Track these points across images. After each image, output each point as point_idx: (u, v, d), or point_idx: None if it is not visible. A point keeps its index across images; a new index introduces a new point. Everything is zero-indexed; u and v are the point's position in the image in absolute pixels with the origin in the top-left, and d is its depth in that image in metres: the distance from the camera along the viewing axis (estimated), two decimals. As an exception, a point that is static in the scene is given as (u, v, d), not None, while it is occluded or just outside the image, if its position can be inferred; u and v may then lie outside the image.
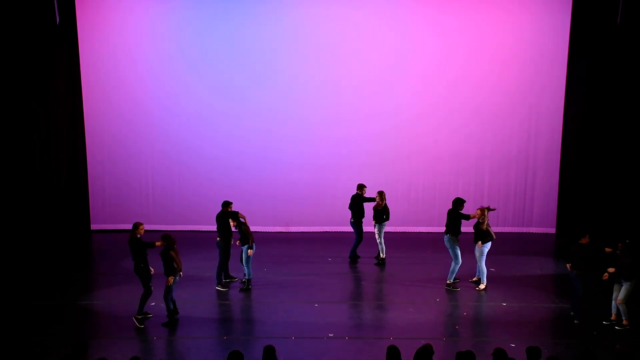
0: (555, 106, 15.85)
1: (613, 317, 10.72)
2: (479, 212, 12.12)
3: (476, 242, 12.11)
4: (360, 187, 13.92)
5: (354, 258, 14.02)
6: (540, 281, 12.94)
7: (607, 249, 10.87)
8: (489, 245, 12.15)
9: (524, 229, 16.33)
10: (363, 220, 13.92)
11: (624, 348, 7.82)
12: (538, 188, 16.22)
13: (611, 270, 10.50)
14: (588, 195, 15.43)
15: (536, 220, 16.32)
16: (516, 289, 12.27)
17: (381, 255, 13.85)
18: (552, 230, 16.07)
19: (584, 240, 10.70)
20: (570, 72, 15.38)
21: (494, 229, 12.29)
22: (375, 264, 13.79)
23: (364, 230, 14.04)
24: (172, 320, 10.65)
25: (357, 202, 13.87)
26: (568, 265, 10.87)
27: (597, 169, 15.34)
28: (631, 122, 14.93)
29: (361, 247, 14.09)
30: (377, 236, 13.74)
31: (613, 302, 10.70)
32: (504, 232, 15.94)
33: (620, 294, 10.49)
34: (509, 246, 15.04)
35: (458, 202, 12.46)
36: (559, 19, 15.44)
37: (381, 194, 13.63)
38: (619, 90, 14.96)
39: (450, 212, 12.45)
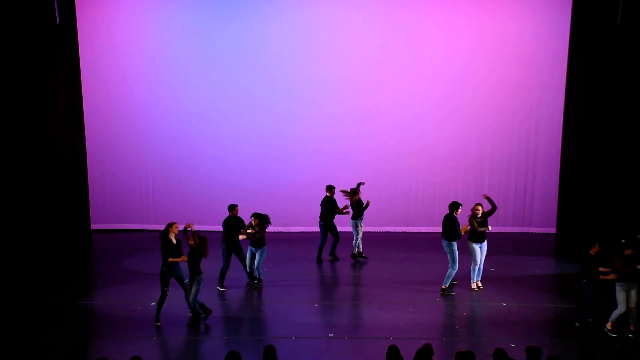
0: (555, 106, 15.84)
1: (632, 327, 10.20)
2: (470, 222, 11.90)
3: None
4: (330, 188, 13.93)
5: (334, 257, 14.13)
6: (540, 281, 12.93)
7: (626, 251, 10.20)
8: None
9: (524, 229, 16.33)
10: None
11: (623, 348, 7.81)
12: (538, 188, 16.22)
13: (613, 277, 10.09)
14: (588, 195, 15.40)
15: (536, 220, 16.31)
16: (516, 289, 12.25)
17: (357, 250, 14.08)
18: (552, 230, 16.06)
19: (594, 250, 10.24)
20: (570, 72, 15.36)
21: (494, 229, 12.18)
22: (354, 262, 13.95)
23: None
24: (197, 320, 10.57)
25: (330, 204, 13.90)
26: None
27: (597, 168, 15.32)
28: (631, 122, 14.92)
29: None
30: (359, 232, 13.92)
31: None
32: (504, 232, 15.95)
33: (632, 301, 10.10)
34: (509, 246, 15.04)
35: (454, 207, 12.08)
36: (559, 19, 15.43)
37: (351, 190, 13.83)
38: (619, 90, 14.95)
39: (446, 217, 12.12)
